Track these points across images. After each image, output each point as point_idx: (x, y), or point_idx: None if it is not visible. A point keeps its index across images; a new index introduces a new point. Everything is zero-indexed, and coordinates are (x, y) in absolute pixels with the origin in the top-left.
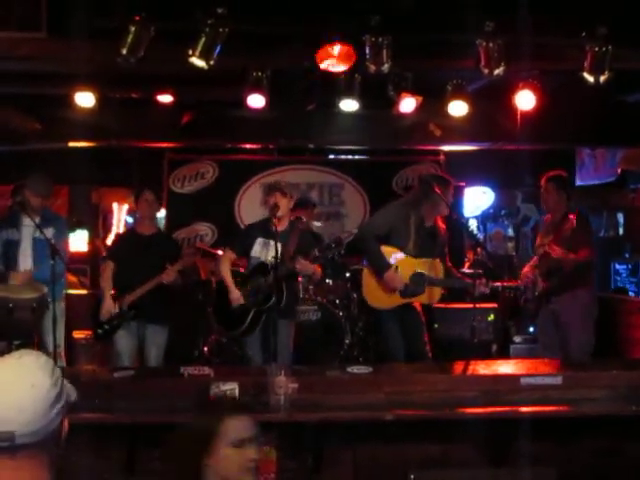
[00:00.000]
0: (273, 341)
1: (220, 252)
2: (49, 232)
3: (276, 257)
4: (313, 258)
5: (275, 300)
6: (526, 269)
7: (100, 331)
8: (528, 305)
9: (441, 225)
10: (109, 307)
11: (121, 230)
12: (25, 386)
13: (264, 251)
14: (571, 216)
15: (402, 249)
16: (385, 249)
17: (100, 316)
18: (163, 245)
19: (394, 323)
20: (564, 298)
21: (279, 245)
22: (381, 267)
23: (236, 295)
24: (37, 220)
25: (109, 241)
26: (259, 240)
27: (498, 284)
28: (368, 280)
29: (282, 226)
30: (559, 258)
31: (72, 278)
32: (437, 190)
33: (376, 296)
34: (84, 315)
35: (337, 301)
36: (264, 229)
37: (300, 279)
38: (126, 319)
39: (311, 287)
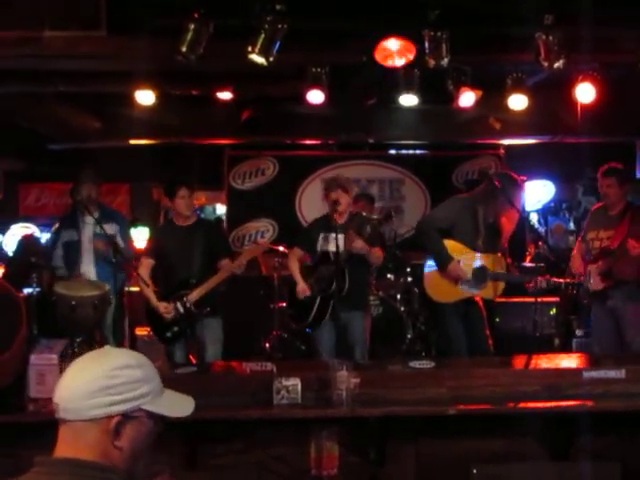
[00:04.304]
0: (345, 334)
1: (281, 248)
2: (111, 228)
3: (337, 248)
4: (367, 236)
5: (337, 286)
6: (577, 264)
7: (169, 334)
8: (583, 301)
9: (504, 220)
10: (167, 308)
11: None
12: (77, 369)
13: (327, 244)
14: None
15: (469, 244)
16: (448, 243)
17: (162, 318)
18: (207, 231)
19: (456, 317)
20: (624, 295)
21: (340, 237)
22: (444, 259)
23: (302, 287)
24: (96, 215)
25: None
26: (322, 235)
27: (560, 281)
28: (430, 274)
29: (342, 219)
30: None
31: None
32: (505, 190)
33: (439, 290)
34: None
35: (398, 296)
36: (326, 224)
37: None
38: (199, 319)
39: (373, 282)
